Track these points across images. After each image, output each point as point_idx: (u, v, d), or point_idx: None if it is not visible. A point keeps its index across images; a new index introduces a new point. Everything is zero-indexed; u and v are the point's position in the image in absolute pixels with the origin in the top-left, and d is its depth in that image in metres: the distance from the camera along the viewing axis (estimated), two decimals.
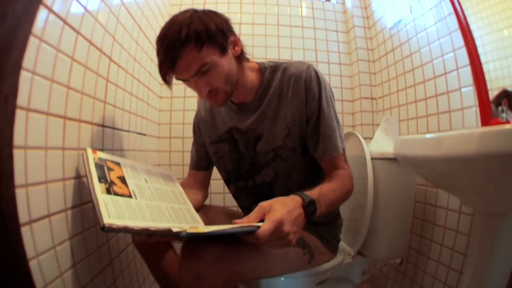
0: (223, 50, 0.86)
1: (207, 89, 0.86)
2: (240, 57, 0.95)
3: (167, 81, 0.86)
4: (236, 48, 0.92)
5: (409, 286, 1.43)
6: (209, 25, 0.82)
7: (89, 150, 0.81)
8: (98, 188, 0.71)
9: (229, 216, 1.10)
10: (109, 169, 0.81)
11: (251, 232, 0.61)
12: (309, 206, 0.72)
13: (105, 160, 0.83)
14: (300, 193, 0.75)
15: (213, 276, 0.70)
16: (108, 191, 0.73)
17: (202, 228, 0.65)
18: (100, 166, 0.79)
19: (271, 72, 1.00)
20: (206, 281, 0.69)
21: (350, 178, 0.92)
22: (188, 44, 0.80)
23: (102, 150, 0.95)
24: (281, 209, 0.66)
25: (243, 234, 0.64)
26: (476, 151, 0.64)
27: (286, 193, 0.75)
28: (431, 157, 0.75)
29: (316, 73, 0.95)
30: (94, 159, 0.79)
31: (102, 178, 0.75)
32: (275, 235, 0.63)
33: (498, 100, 1.06)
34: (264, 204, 0.68)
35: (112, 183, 0.77)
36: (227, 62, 0.87)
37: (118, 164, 0.87)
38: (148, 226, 0.65)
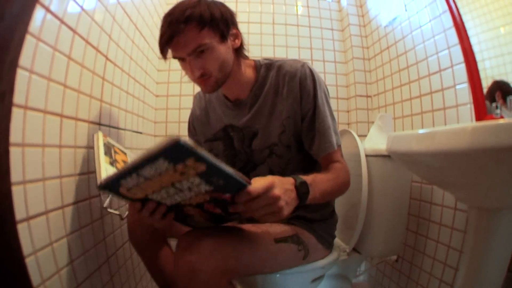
0: (223, 38, 0.88)
1: (200, 71, 0.88)
2: (238, 51, 0.96)
3: (163, 54, 0.88)
4: (236, 41, 0.94)
5: (405, 283, 1.44)
6: (214, 11, 0.85)
7: (100, 133, 0.87)
8: (103, 158, 0.75)
9: None
10: (115, 152, 0.87)
11: (242, 187, 0.62)
12: (301, 187, 0.74)
13: (113, 145, 0.89)
14: (293, 176, 0.76)
15: (208, 270, 0.70)
16: (112, 165, 0.77)
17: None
18: (107, 147, 0.84)
19: (266, 69, 1.01)
20: (201, 275, 0.69)
21: (345, 171, 0.93)
22: (191, 22, 0.83)
23: None
24: (273, 177, 0.68)
25: (235, 193, 0.63)
26: (468, 145, 0.64)
27: None
28: (424, 152, 0.75)
29: (311, 71, 0.96)
30: (103, 140, 0.84)
31: (108, 154, 0.80)
32: (266, 198, 0.64)
33: (492, 93, 1.07)
34: (257, 178, 0.69)
35: (115, 161, 0.81)
36: (224, 50, 0.89)
37: (124, 153, 0.92)
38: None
